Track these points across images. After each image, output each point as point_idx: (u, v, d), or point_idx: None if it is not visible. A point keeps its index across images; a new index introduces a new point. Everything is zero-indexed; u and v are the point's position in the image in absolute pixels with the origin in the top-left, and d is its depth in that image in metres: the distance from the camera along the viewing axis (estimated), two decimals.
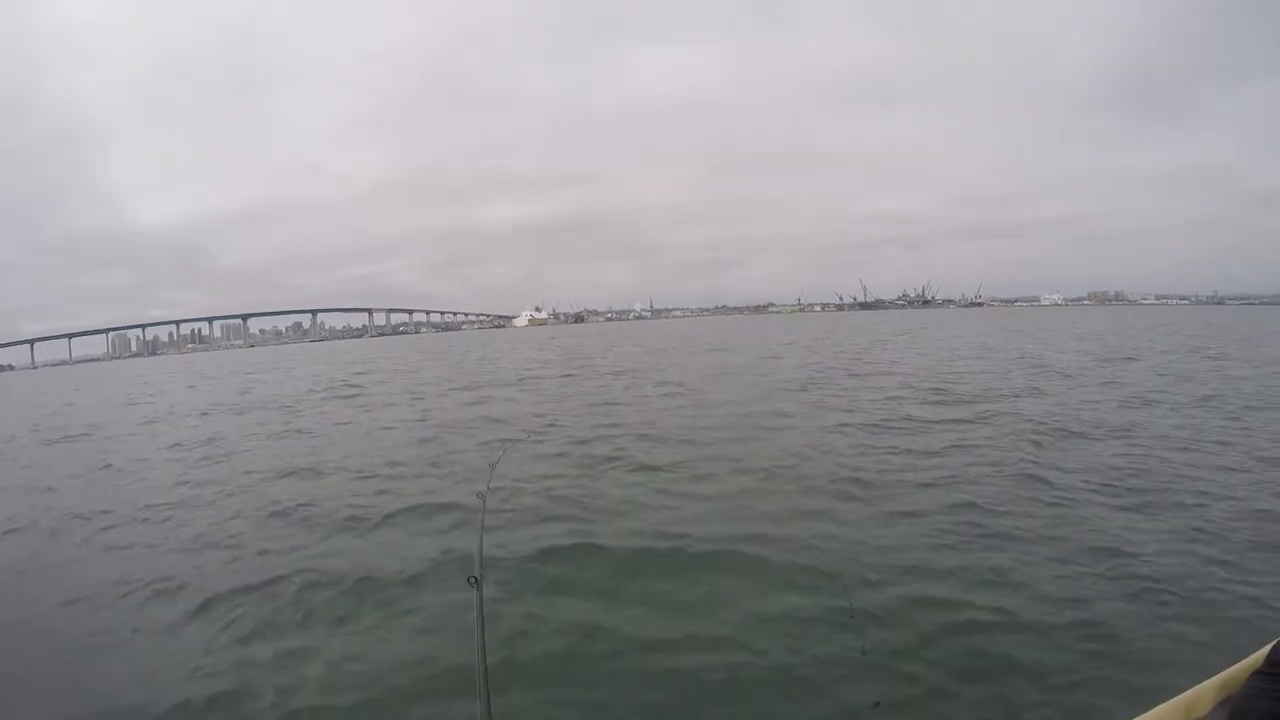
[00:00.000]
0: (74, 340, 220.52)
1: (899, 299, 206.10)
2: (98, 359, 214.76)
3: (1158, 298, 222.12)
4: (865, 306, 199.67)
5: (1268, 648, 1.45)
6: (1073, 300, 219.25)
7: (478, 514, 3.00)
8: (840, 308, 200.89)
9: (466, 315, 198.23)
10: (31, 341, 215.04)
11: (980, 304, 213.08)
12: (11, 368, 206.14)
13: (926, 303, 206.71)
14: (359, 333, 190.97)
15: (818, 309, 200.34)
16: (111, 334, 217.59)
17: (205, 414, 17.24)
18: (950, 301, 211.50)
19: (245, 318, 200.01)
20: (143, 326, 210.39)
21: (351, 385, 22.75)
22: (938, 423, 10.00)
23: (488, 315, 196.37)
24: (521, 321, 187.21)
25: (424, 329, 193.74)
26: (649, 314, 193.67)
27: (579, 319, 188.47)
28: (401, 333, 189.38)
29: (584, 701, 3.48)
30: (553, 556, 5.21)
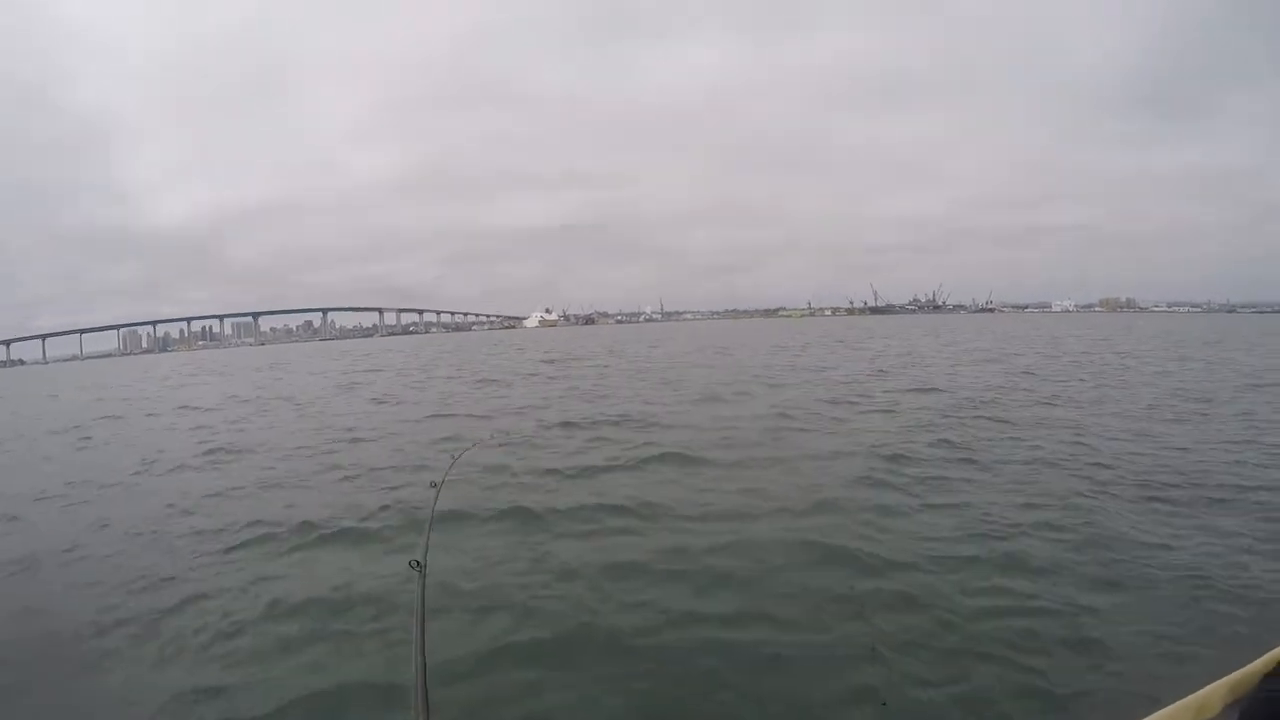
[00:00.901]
0: (85, 336, 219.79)
1: (910, 303, 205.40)
2: (109, 354, 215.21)
3: (1169, 305, 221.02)
4: (876, 311, 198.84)
5: None
6: (1084, 307, 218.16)
7: (427, 506, 3.17)
8: (851, 311, 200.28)
9: (477, 315, 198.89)
10: (44, 337, 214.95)
11: (991, 309, 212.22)
12: (23, 362, 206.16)
13: (937, 308, 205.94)
14: (369, 331, 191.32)
15: (828, 313, 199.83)
16: (123, 330, 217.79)
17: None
18: (961, 307, 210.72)
19: (256, 316, 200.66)
20: (154, 323, 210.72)
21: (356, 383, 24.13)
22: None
23: (498, 316, 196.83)
24: (532, 323, 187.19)
25: (434, 329, 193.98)
26: (659, 316, 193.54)
27: (589, 321, 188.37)
28: (412, 332, 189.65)
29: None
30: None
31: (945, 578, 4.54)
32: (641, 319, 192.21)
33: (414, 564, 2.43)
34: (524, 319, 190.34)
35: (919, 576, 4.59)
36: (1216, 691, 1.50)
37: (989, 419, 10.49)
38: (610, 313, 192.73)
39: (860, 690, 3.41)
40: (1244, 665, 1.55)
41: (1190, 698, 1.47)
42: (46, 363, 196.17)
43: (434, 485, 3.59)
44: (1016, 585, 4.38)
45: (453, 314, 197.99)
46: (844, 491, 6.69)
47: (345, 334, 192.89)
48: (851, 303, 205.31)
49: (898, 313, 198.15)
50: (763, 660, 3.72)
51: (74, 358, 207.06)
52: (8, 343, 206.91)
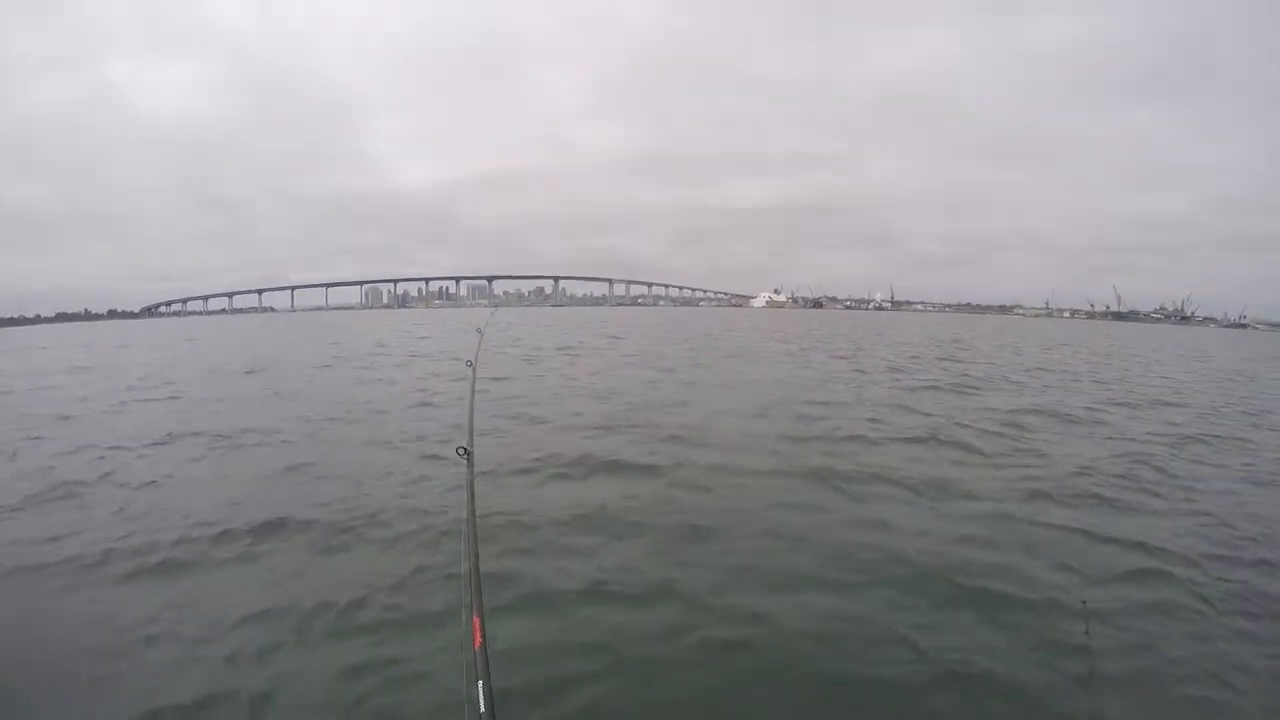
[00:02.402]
0: (330, 290, 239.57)
1: (1155, 312, 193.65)
2: (351, 307, 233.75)
3: None
4: (1118, 317, 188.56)
5: None
6: None
7: (468, 387, 3.53)
8: (1091, 315, 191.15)
9: (705, 292, 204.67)
10: (292, 288, 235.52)
11: (1245, 325, 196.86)
12: (273, 309, 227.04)
13: (1185, 318, 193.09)
14: (599, 301, 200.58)
15: (1066, 315, 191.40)
16: (365, 286, 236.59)
17: None
18: (1211, 320, 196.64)
19: (490, 279, 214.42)
20: (394, 281, 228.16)
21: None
22: None
23: (726, 294, 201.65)
24: (759, 302, 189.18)
25: (662, 302, 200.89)
26: (889, 305, 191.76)
27: (818, 304, 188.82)
28: (640, 304, 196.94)
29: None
30: None
31: None
32: (870, 306, 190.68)
33: (460, 451, 2.55)
34: (751, 298, 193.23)
35: None
36: None
37: None
38: (839, 297, 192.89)
39: None
40: None
41: None
42: (294, 311, 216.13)
43: (469, 364, 3.95)
44: None
45: (680, 289, 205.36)
46: None
47: (575, 301, 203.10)
48: (1092, 305, 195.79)
49: (1140, 320, 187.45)
50: None
51: (319, 308, 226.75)
52: (260, 291, 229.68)
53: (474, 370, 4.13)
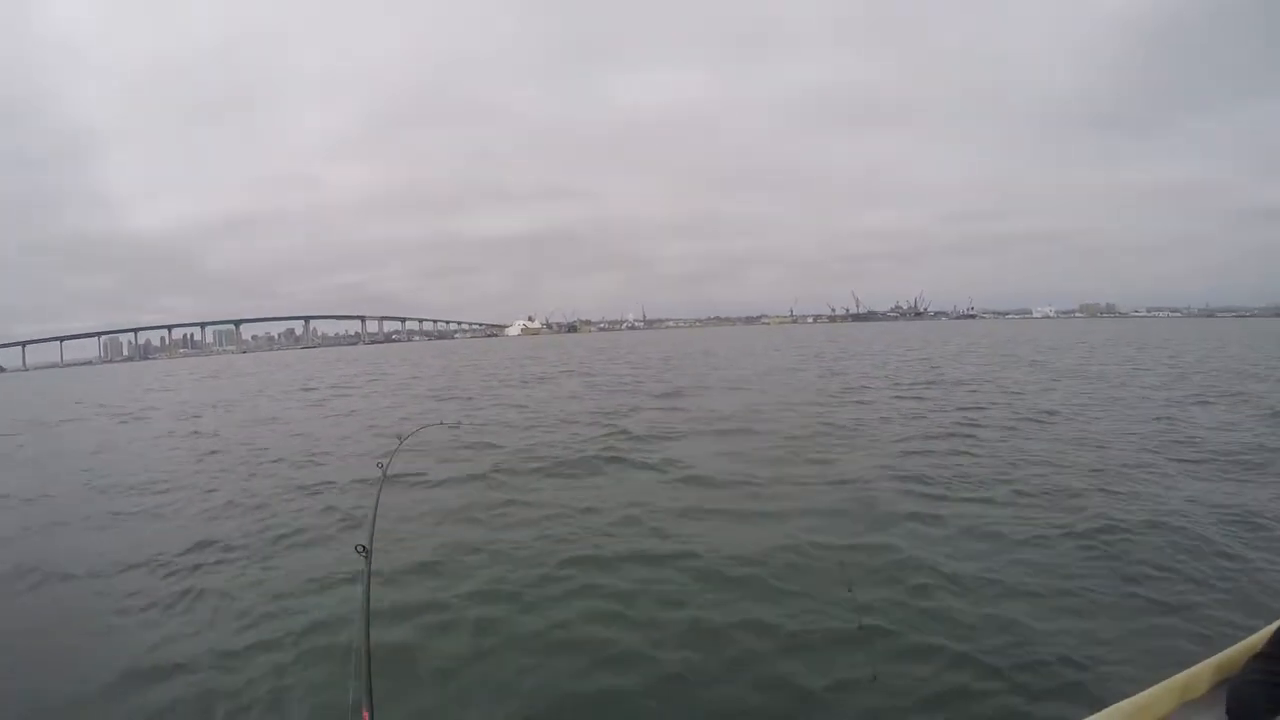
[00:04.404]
0: (65, 343, 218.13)
1: (891, 310, 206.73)
2: (89, 362, 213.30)
3: (1149, 310, 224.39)
4: (858, 318, 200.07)
5: (1268, 629, 1.47)
6: (1064, 312, 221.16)
7: (374, 485, 3.12)
8: (833, 319, 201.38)
9: (459, 324, 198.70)
10: (24, 344, 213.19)
11: (973, 316, 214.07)
12: (2, 369, 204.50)
13: (919, 314, 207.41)
14: (352, 340, 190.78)
15: (810, 320, 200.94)
16: (104, 337, 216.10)
17: None
18: (943, 313, 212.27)
19: (238, 323, 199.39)
20: (135, 330, 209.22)
21: None
22: None
23: (480, 324, 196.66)
24: (514, 331, 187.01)
25: (416, 337, 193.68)
26: (642, 324, 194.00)
27: (572, 329, 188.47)
28: (394, 340, 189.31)
29: None
30: None
31: None
32: (624, 326, 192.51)
33: (360, 549, 2.29)
34: (506, 327, 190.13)
35: None
36: (1203, 671, 1.49)
37: None
38: (593, 320, 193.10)
39: None
40: (1231, 645, 1.55)
41: (1176, 677, 1.46)
42: (27, 369, 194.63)
43: (380, 465, 3.44)
44: None
45: (435, 322, 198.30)
46: None
47: (328, 342, 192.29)
48: (833, 310, 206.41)
49: (880, 319, 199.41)
50: None
51: (54, 365, 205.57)
52: None
53: (385, 469, 3.36)
